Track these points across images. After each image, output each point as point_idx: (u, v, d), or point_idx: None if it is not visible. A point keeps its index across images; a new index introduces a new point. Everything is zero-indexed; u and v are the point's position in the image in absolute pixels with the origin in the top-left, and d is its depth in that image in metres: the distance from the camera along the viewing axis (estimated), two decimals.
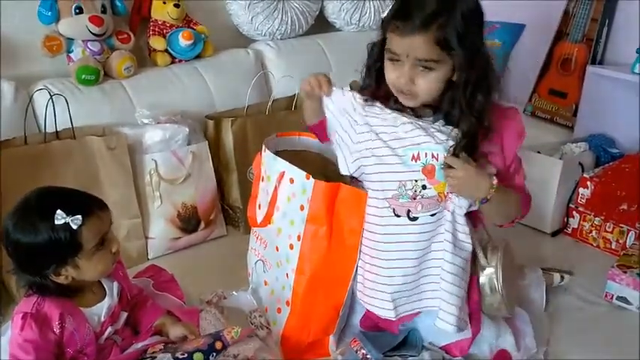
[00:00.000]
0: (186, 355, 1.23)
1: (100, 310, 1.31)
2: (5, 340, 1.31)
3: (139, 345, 1.36)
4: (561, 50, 2.52)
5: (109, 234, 1.28)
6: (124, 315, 1.38)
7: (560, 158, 2.10)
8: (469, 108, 1.31)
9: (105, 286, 1.34)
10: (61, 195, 1.24)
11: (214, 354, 1.26)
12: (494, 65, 1.31)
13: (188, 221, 1.96)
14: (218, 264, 1.88)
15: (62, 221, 1.17)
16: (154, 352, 1.32)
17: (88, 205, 1.23)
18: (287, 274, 1.52)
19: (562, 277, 1.75)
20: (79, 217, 1.18)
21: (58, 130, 1.78)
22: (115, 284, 1.36)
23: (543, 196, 2.06)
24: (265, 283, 1.61)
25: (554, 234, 2.09)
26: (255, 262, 1.64)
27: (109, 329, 1.33)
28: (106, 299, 1.33)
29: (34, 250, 1.19)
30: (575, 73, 2.47)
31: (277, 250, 1.54)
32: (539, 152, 2.13)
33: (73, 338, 1.25)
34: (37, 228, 1.18)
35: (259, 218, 1.57)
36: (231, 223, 2.12)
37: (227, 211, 2.11)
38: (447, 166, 1.31)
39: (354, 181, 1.46)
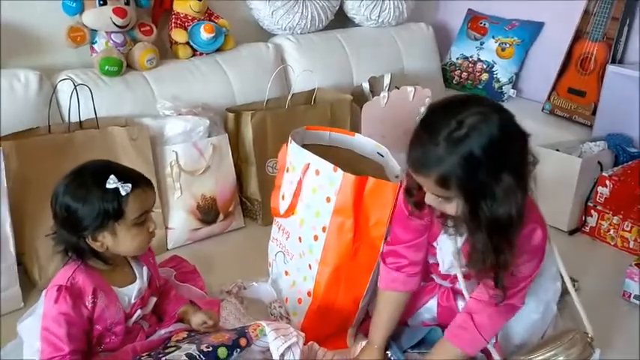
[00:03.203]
0: (211, 349, 1.24)
1: (131, 291, 1.34)
2: (31, 322, 1.35)
3: (162, 332, 1.37)
4: (581, 49, 2.52)
5: (150, 214, 1.31)
6: (153, 300, 1.41)
7: (579, 157, 2.09)
8: (488, 252, 1.18)
9: (135, 270, 1.37)
10: (115, 165, 1.30)
11: (238, 350, 1.26)
12: (520, 202, 1.12)
13: (207, 212, 1.97)
14: (236, 255, 1.89)
15: (113, 185, 1.23)
16: (177, 340, 1.34)
17: (139, 179, 1.29)
18: (310, 265, 1.53)
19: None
20: (130, 185, 1.24)
21: (81, 120, 1.80)
22: (145, 269, 1.39)
23: (561, 194, 2.06)
24: (286, 274, 1.62)
25: (571, 232, 2.09)
26: (276, 254, 1.65)
27: (138, 312, 1.35)
28: (137, 282, 1.36)
29: (80, 210, 1.23)
30: (595, 72, 2.46)
31: (300, 241, 1.55)
32: (557, 150, 2.12)
33: (103, 315, 1.28)
34: (88, 189, 1.24)
35: (282, 209, 1.58)
36: (249, 216, 2.13)
37: (245, 203, 2.13)
38: None
39: None
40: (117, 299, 1.31)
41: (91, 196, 1.23)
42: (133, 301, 1.34)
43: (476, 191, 1.11)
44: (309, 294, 1.55)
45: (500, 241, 1.16)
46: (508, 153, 1.10)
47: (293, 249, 1.59)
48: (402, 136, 2.27)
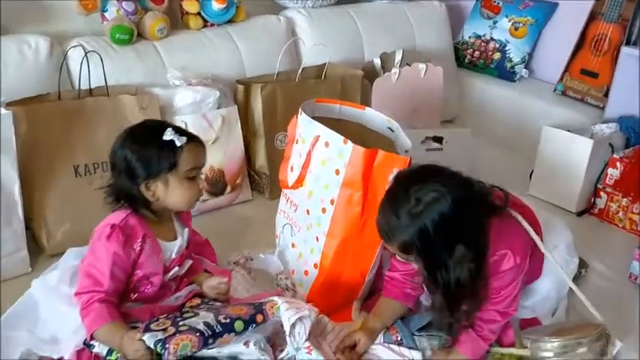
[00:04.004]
0: (228, 321, 1.26)
1: (173, 247, 1.40)
2: (53, 275, 1.38)
3: (177, 295, 1.40)
4: (595, 30, 2.48)
5: (201, 174, 1.37)
6: (189, 262, 1.45)
7: (591, 138, 2.07)
8: (443, 311, 1.33)
9: (177, 229, 1.43)
10: (171, 124, 1.39)
11: (254, 325, 1.29)
12: (467, 269, 1.24)
13: (215, 184, 1.97)
14: (243, 227, 1.90)
15: (170, 137, 1.30)
16: (192, 307, 1.37)
17: (193, 136, 1.37)
18: (317, 237, 1.53)
19: (580, 272, 1.73)
20: (185, 138, 1.32)
21: (91, 87, 1.79)
22: (186, 230, 1.44)
23: (571, 175, 2.06)
24: (293, 246, 1.63)
25: (580, 214, 2.08)
26: (284, 226, 1.66)
27: (175, 269, 1.40)
28: (179, 239, 1.41)
29: (137, 158, 1.30)
30: (609, 53, 2.43)
31: (308, 213, 1.55)
32: (569, 131, 2.10)
33: (146, 262, 1.33)
34: (146, 140, 1.32)
35: (291, 180, 1.58)
36: (256, 189, 2.13)
37: (253, 176, 2.12)
38: None
39: None
40: (160, 250, 1.36)
41: (148, 146, 1.31)
42: (173, 256, 1.40)
43: (431, 261, 1.25)
44: (315, 266, 1.55)
45: (454, 302, 1.29)
46: (460, 227, 1.23)
47: (301, 221, 1.59)
48: (412, 113, 2.30)
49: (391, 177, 1.35)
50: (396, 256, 1.36)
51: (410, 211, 1.22)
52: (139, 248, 1.32)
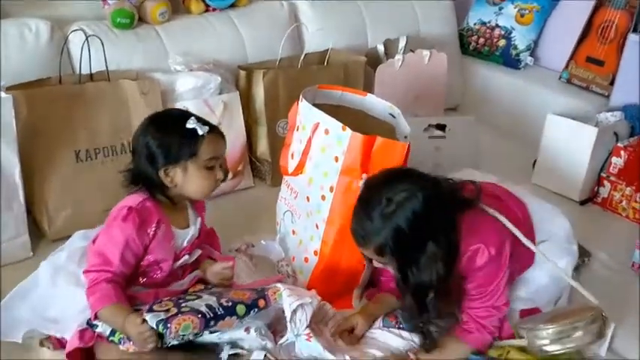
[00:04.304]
0: (230, 304, 1.27)
1: (185, 235, 1.41)
2: (60, 255, 1.38)
3: (180, 282, 1.41)
4: (602, 17, 2.45)
5: (220, 163, 1.38)
6: (198, 252, 1.45)
7: (595, 126, 2.06)
8: (414, 312, 1.36)
9: (191, 218, 1.43)
10: (194, 114, 1.39)
11: (256, 310, 1.30)
12: (439, 264, 1.26)
13: None
14: (245, 214, 1.89)
15: (192, 125, 1.32)
16: (195, 292, 1.37)
17: (215, 127, 1.39)
18: (317, 225, 1.53)
19: (583, 260, 1.73)
20: (207, 127, 1.34)
21: (92, 71, 1.79)
22: (199, 220, 1.45)
23: (575, 163, 2.04)
24: (293, 233, 1.63)
25: (582, 202, 2.07)
26: (284, 212, 1.65)
27: (185, 257, 1.41)
28: (191, 228, 1.42)
29: (159, 144, 1.32)
30: (615, 41, 2.40)
31: (308, 200, 1.54)
32: (573, 119, 2.09)
33: (158, 247, 1.34)
34: (169, 127, 1.34)
35: (291, 167, 1.57)
36: (258, 176, 2.12)
37: (254, 163, 2.11)
38: None
39: None
40: (173, 237, 1.37)
41: (170, 132, 1.33)
42: (185, 244, 1.41)
43: (405, 260, 1.27)
44: (315, 253, 1.55)
45: (424, 303, 1.31)
46: (431, 224, 1.25)
47: (301, 208, 1.58)
48: (415, 100, 2.29)
49: (361, 183, 1.37)
50: (373, 262, 1.37)
51: (382, 213, 1.24)
52: (152, 233, 1.33)
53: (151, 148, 1.32)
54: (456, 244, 1.29)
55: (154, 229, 1.33)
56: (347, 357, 1.33)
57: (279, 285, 1.36)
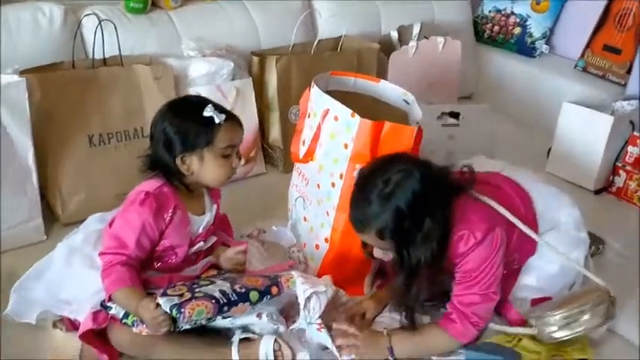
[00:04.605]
0: (243, 290, 1.28)
1: (201, 222, 1.41)
2: (67, 245, 1.38)
3: (193, 267, 1.41)
4: (619, 5, 2.42)
5: (236, 152, 1.39)
6: (213, 239, 1.46)
7: (611, 115, 2.03)
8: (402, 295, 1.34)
9: (206, 205, 1.44)
10: (212, 101, 1.38)
11: (269, 296, 1.31)
12: (434, 242, 1.26)
13: None
14: (257, 200, 1.89)
15: (209, 114, 1.31)
16: (208, 277, 1.38)
17: (232, 115, 1.38)
18: (327, 212, 1.52)
19: (597, 248, 1.71)
20: (224, 115, 1.33)
21: (105, 56, 1.79)
22: (215, 207, 1.46)
23: (590, 152, 2.03)
24: (304, 220, 1.62)
25: (597, 192, 2.05)
26: (296, 199, 1.65)
27: (200, 244, 1.42)
28: (207, 215, 1.43)
29: (176, 131, 1.32)
30: (633, 28, 2.37)
31: (319, 187, 1.54)
32: (588, 108, 2.07)
33: (173, 233, 1.35)
34: (186, 114, 1.34)
35: (302, 154, 1.57)
36: (270, 163, 2.12)
37: (267, 150, 2.11)
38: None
39: None
40: (189, 223, 1.38)
41: (188, 120, 1.32)
42: (200, 231, 1.41)
43: (402, 240, 1.26)
44: (326, 240, 1.55)
45: (415, 283, 1.29)
46: (429, 202, 1.25)
47: (312, 195, 1.58)
48: (429, 88, 2.27)
49: (355, 173, 1.36)
50: (374, 251, 1.35)
51: (381, 194, 1.24)
52: (168, 218, 1.33)
53: (168, 134, 1.32)
54: (449, 223, 1.28)
55: (170, 214, 1.33)
56: (352, 356, 1.32)
57: (292, 272, 1.36)
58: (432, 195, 1.26)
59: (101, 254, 1.31)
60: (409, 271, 1.28)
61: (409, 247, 1.26)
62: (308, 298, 1.30)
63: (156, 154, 1.36)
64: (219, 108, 1.35)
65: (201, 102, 1.35)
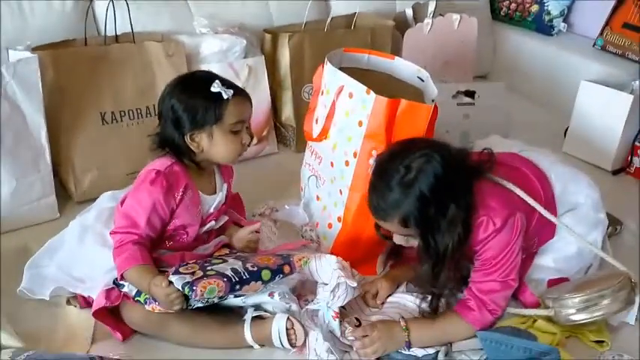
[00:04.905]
0: (255, 269, 1.27)
1: (212, 201, 1.41)
2: (80, 222, 1.39)
3: (206, 246, 1.41)
4: None
5: (246, 127, 1.37)
6: (224, 218, 1.45)
7: (630, 94, 1.99)
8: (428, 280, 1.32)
9: (218, 184, 1.43)
10: (219, 76, 1.37)
11: (281, 275, 1.30)
12: (459, 228, 1.23)
13: None
14: (269, 179, 1.89)
15: (217, 89, 1.30)
16: (220, 255, 1.38)
17: (240, 90, 1.37)
18: (340, 191, 1.51)
19: (615, 229, 1.68)
20: (232, 91, 1.31)
21: (117, 33, 1.78)
22: (226, 186, 1.45)
23: (608, 132, 2.00)
24: (317, 199, 1.61)
25: (615, 172, 2.02)
26: (309, 177, 1.64)
27: (212, 223, 1.42)
28: (219, 194, 1.42)
29: (184, 108, 1.31)
30: None
31: (332, 165, 1.53)
32: (607, 87, 2.03)
33: (184, 212, 1.34)
34: (194, 90, 1.32)
35: (315, 132, 1.55)
36: (282, 142, 2.11)
37: (279, 129, 2.10)
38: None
39: None
40: (199, 202, 1.37)
41: (195, 96, 1.31)
42: (211, 210, 1.40)
43: (428, 226, 1.23)
44: (339, 219, 1.54)
45: (441, 271, 1.27)
46: (452, 186, 1.22)
47: (325, 174, 1.57)
48: (444, 66, 2.24)
49: (371, 161, 1.33)
50: (394, 236, 1.32)
51: (403, 181, 1.20)
52: (179, 197, 1.32)
53: (177, 112, 1.31)
54: (472, 208, 1.25)
55: (181, 193, 1.32)
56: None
57: (307, 254, 1.36)
58: (455, 178, 1.23)
59: (112, 233, 1.31)
60: (436, 258, 1.25)
61: (435, 234, 1.23)
62: (338, 285, 1.29)
63: (165, 132, 1.35)
64: (226, 83, 1.33)
65: (209, 77, 1.33)
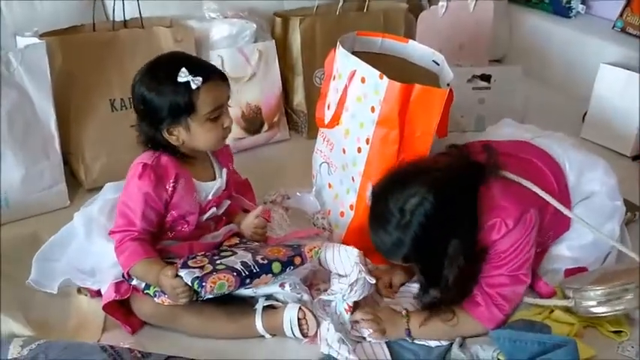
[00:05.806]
0: (266, 262, 1.25)
1: (210, 188, 1.36)
2: (85, 215, 1.37)
3: (215, 234, 1.39)
4: None
5: (224, 109, 1.30)
6: (227, 203, 1.42)
7: None
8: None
9: (216, 169, 1.39)
10: (188, 59, 1.30)
11: (292, 267, 1.28)
12: (460, 259, 1.22)
13: (252, 122, 1.94)
14: (280, 166, 1.87)
15: (184, 79, 1.21)
16: (230, 245, 1.36)
17: (211, 72, 1.27)
18: (353, 178, 1.49)
19: (634, 215, 1.64)
20: (200, 78, 1.22)
21: (125, 19, 1.75)
22: (225, 171, 1.40)
23: (627, 116, 1.95)
24: (329, 186, 1.59)
25: (635, 158, 1.97)
26: (320, 165, 1.62)
27: (213, 209, 1.38)
28: (217, 180, 1.37)
29: (153, 103, 1.24)
30: None
31: (344, 152, 1.50)
32: (627, 70, 1.98)
33: (180, 202, 1.30)
34: (160, 82, 1.24)
35: (327, 118, 1.53)
36: (294, 128, 2.08)
37: (290, 115, 2.08)
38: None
39: None
40: (194, 190, 1.33)
41: (163, 89, 1.23)
42: (210, 197, 1.36)
43: (429, 263, 1.25)
44: (351, 207, 1.51)
45: (441, 297, 1.28)
46: (449, 221, 1.21)
47: (337, 160, 1.54)
48: (459, 50, 2.19)
49: (367, 193, 1.32)
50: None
51: (399, 225, 1.21)
52: (171, 189, 1.28)
53: (148, 106, 1.25)
54: (474, 235, 1.24)
55: (172, 184, 1.28)
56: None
57: (318, 244, 1.34)
58: (454, 212, 1.22)
59: (111, 233, 1.29)
60: (438, 282, 1.26)
61: (436, 269, 1.24)
62: (357, 280, 1.28)
63: (142, 128, 1.29)
64: (195, 68, 1.23)
65: (176, 64, 1.23)
